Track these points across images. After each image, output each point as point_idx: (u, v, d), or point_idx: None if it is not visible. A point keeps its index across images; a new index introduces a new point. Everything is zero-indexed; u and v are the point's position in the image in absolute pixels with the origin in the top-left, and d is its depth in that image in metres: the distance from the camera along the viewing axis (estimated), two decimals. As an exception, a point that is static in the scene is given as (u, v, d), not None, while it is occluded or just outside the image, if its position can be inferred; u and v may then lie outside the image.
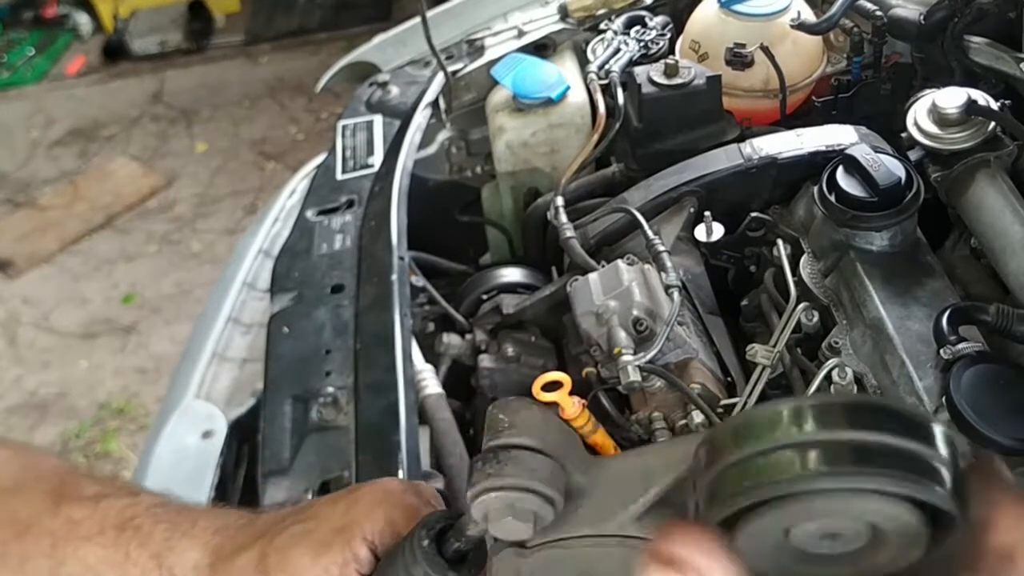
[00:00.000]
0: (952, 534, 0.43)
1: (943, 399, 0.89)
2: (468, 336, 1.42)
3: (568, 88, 1.52)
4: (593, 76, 1.49)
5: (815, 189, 1.14)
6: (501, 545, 0.59)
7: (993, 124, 1.10)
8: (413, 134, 1.61)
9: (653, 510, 0.54)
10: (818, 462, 0.41)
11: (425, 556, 0.61)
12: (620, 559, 0.54)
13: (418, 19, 1.61)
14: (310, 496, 1.09)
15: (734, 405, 1.06)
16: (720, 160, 1.24)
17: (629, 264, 1.17)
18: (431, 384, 1.27)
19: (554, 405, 0.98)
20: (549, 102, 1.51)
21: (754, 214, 1.23)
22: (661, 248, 1.16)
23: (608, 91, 1.46)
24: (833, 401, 0.44)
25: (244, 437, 1.33)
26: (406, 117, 1.65)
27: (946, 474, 0.42)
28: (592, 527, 0.55)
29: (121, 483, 0.77)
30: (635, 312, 1.09)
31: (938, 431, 0.43)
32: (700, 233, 1.23)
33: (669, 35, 1.58)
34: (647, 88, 1.32)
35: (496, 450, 0.56)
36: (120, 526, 0.69)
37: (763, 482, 0.42)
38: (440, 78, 1.68)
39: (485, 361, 1.36)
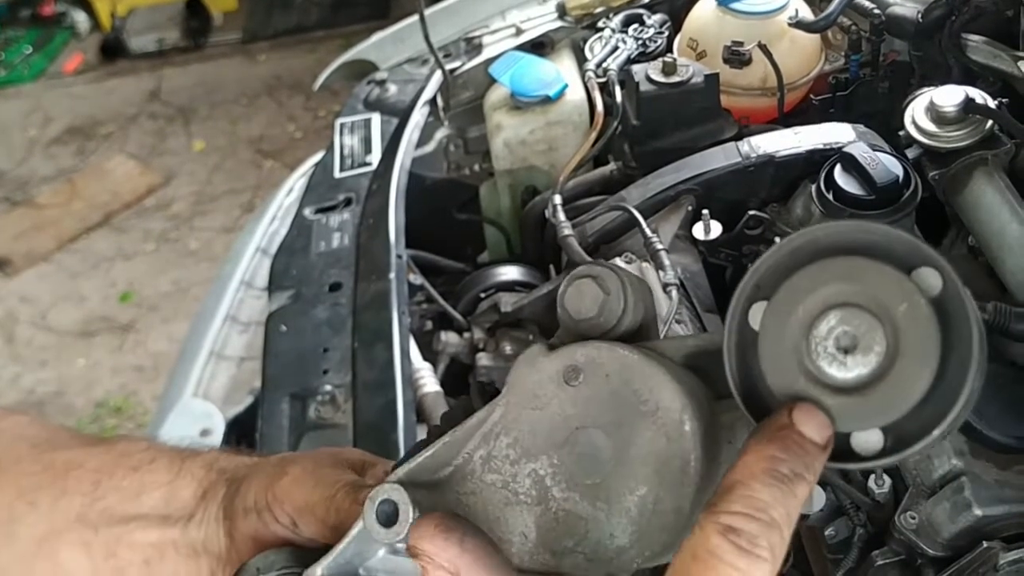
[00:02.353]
0: (958, 349, 0.44)
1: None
2: (466, 334, 1.42)
3: (566, 86, 1.52)
4: (591, 74, 1.49)
5: (813, 187, 1.14)
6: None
7: (991, 122, 1.10)
8: (411, 132, 1.61)
9: (704, 352, 0.54)
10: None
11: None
12: (660, 380, 0.51)
13: (416, 17, 1.61)
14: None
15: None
16: (718, 158, 1.25)
17: (627, 262, 1.17)
18: (429, 382, 1.27)
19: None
20: (547, 100, 1.51)
21: (752, 212, 1.23)
22: (659, 246, 1.16)
23: (606, 89, 1.45)
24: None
25: (242, 435, 1.33)
26: (404, 115, 1.65)
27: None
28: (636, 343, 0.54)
29: None
30: (633, 310, 1.09)
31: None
32: (698, 231, 1.23)
33: (667, 33, 1.58)
34: (645, 86, 1.32)
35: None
36: (175, 454, 0.67)
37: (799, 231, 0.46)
38: (438, 76, 1.68)
39: (483, 359, 1.36)
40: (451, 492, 0.54)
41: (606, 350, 0.52)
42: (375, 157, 1.60)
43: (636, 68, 1.36)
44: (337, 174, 1.58)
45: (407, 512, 0.52)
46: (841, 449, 0.46)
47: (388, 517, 0.52)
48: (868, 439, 0.45)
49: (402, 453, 1.09)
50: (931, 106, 1.13)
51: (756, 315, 0.47)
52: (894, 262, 0.44)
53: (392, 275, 1.32)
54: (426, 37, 1.57)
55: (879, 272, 0.44)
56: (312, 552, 0.57)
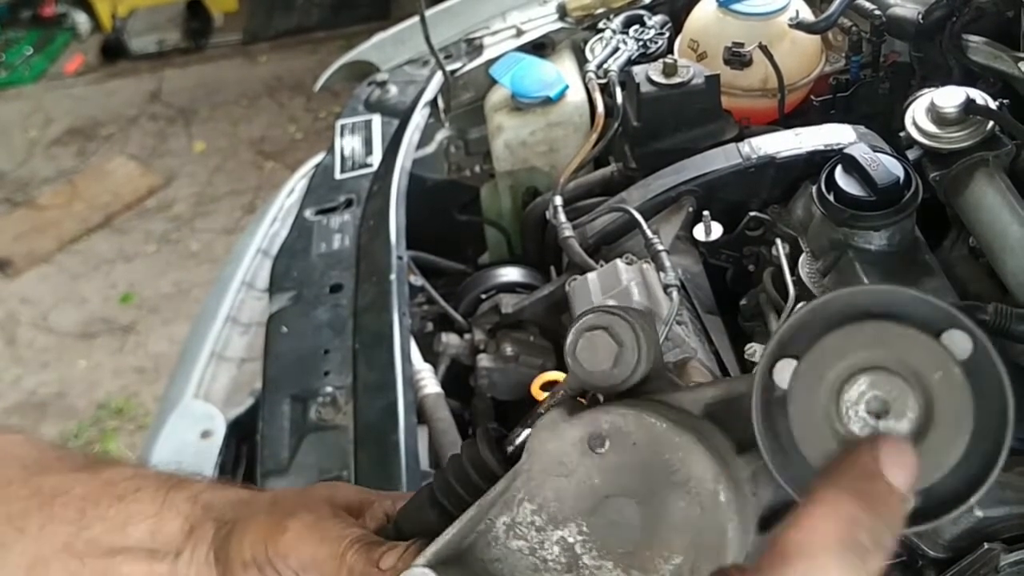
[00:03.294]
0: (993, 417, 0.43)
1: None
2: (467, 336, 1.42)
3: (567, 87, 1.52)
4: (592, 75, 1.49)
5: (813, 188, 1.14)
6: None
7: (991, 123, 1.10)
8: (412, 133, 1.61)
9: (723, 401, 0.53)
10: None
11: (489, 450, 0.59)
12: (686, 447, 0.50)
13: (417, 18, 1.61)
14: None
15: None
16: (719, 159, 1.25)
17: (628, 263, 1.17)
18: (430, 384, 1.27)
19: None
20: (548, 101, 1.51)
21: (753, 213, 1.23)
22: (660, 247, 1.16)
23: (607, 90, 1.46)
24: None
25: (243, 437, 1.33)
26: (405, 116, 1.65)
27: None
28: (660, 399, 0.53)
29: None
30: (634, 311, 1.09)
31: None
32: (699, 232, 1.23)
33: (668, 34, 1.58)
34: (646, 87, 1.32)
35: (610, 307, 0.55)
36: (161, 482, 0.67)
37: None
38: (439, 77, 1.68)
39: (484, 361, 1.36)
40: (475, 561, 0.54)
41: (632, 418, 0.51)
42: (376, 158, 1.60)
43: (637, 69, 1.36)
44: (338, 175, 1.58)
45: None
46: None
47: None
48: None
49: (403, 455, 1.09)
50: (932, 107, 1.13)
51: (781, 372, 0.47)
52: (923, 325, 0.44)
53: (393, 276, 1.32)
54: (427, 38, 1.58)
55: (909, 338, 0.44)
56: None
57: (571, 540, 0.52)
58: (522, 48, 1.66)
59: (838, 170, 1.12)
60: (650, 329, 0.54)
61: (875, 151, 1.12)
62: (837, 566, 0.35)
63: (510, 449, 0.60)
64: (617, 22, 1.61)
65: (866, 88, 1.43)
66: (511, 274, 1.47)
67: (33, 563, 0.65)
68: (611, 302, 1.11)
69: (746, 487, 0.51)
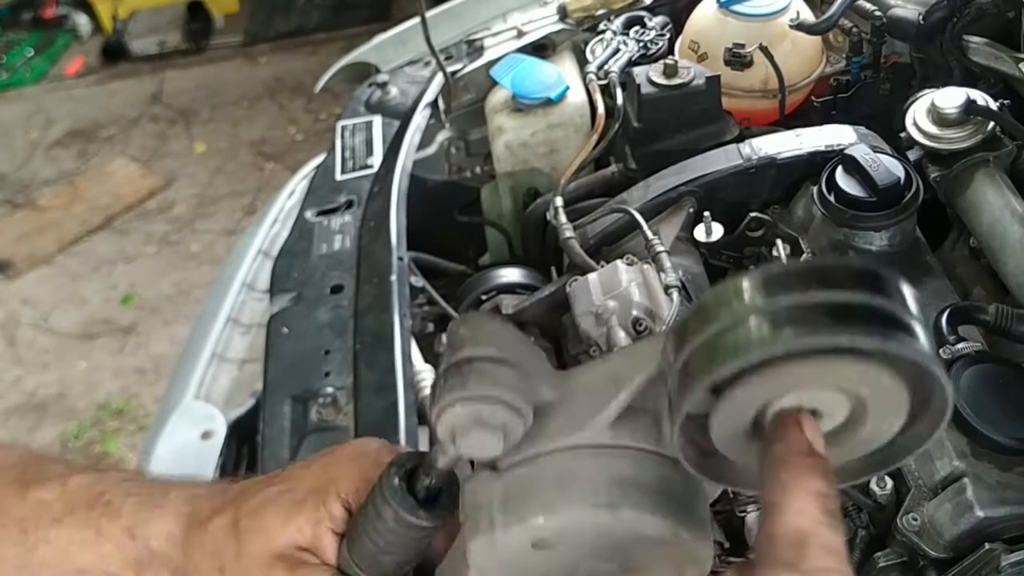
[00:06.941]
0: (931, 401, 0.42)
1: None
2: (467, 336, 1.42)
3: (567, 88, 1.52)
4: (592, 76, 1.49)
5: (814, 189, 1.14)
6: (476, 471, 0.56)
7: (992, 124, 1.10)
8: (412, 134, 1.61)
9: (626, 415, 0.51)
10: (789, 325, 0.39)
11: (394, 494, 0.56)
12: (595, 468, 0.50)
13: (417, 19, 1.61)
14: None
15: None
16: (719, 160, 1.25)
17: (628, 264, 1.17)
18: (431, 384, 1.27)
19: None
20: (548, 102, 1.51)
21: (753, 214, 1.23)
22: (660, 248, 1.16)
23: (607, 91, 1.46)
24: (796, 267, 0.41)
25: (243, 438, 1.33)
26: (405, 117, 1.65)
27: (920, 330, 0.40)
28: (564, 439, 0.52)
29: (87, 463, 0.74)
30: (634, 312, 1.09)
31: (905, 288, 0.41)
32: (699, 233, 1.23)
33: (668, 35, 1.58)
34: (646, 88, 1.32)
35: (459, 364, 0.51)
36: (90, 503, 0.66)
37: (732, 355, 0.40)
38: (439, 78, 1.68)
39: (484, 361, 1.36)
40: None
41: (575, 521, 0.50)
42: (376, 159, 1.60)
43: (637, 70, 1.36)
44: (338, 176, 1.58)
45: None
46: None
47: None
48: None
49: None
50: (932, 108, 1.13)
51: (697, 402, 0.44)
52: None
53: (393, 277, 1.32)
54: (427, 39, 1.58)
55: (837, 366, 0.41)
56: None
57: None
58: (523, 49, 1.66)
59: (839, 171, 1.12)
60: (517, 380, 0.52)
61: (876, 152, 1.12)
62: (833, 535, 0.39)
63: (423, 492, 0.58)
64: (618, 23, 1.61)
65: (867, 89, 1.43)
66: (512, 275, 1.47)
67: None
68: (611, 303, 1.11)
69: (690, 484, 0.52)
